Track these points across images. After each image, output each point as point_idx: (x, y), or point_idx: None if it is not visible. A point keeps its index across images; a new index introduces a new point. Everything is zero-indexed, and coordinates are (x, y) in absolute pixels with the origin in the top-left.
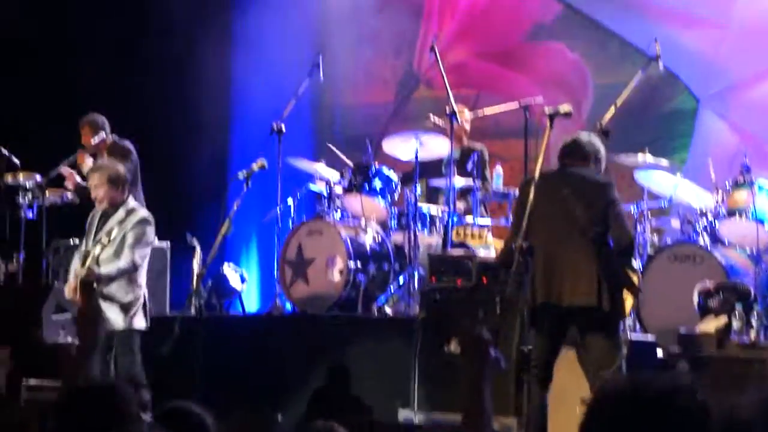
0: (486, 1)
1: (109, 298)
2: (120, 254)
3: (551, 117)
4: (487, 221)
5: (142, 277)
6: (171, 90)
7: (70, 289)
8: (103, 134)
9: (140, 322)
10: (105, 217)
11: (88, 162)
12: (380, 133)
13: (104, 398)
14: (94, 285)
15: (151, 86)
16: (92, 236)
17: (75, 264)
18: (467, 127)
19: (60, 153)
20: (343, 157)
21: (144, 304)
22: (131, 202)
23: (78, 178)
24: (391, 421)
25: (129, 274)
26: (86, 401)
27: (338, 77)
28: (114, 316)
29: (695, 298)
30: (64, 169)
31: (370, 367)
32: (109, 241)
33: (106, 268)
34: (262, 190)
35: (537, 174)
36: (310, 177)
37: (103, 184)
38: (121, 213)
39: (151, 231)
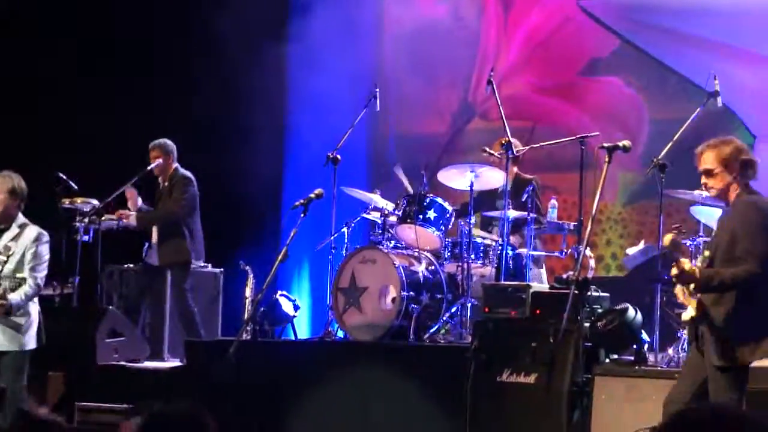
0: (543, 34)
1: (5, 319)
2: (20, 273)
3: (610, 151)
4: (541, 253)
5: (36, 297)
6: (225, 118)
7: None
8: (169, 159)
9: (32, 343)
10: None
11: (136, 200)
12: (434, 164)
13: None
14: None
15: (206, 115)
16: None
17: None
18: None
19: (117, 179)
20: (406, 182)
21: (39, 323)
22: (21, 217)
23: (139, 201)
24: None
25: (33, 298)
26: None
27: (393, 107)
28: (7, 337)
29: None
30: (128, 191)
31: (422, 395)
32: (8, 259)
33: (15, 297)
34: (316, 219)
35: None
36: (364, 206)
37: (3, 192)
38: (14, 229)
39: (47, 248)
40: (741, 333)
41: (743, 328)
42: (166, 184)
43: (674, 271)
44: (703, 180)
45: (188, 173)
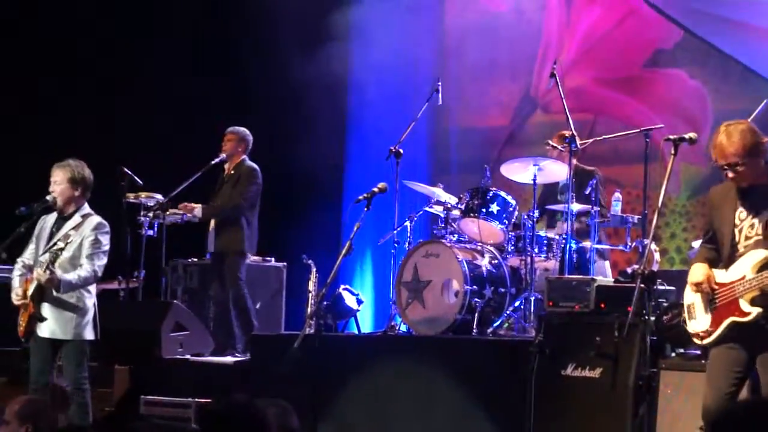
0: (606, 27)
1: (60, 306)
2: (77, 260)
3: (676, 143)
4: (605, 246)
5: (94, 287)
6: (288, 112)
7: (17, 293)
8: (240, 147)
9: (89, 334)
10: (59, 222)
11: (194, 207)
12: (496, 157)
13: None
14: (53, 292)
15: (268, 110)
16: (45, 241)
17: (18, 270)
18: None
19: (181, 175)
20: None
21: (95, 315)
22: (86, 207)
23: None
24: None
25: (88, 284)
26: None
27: (455, 101)
28: (62, 325)
29: None
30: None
31: (485, 390)
32: (66, 245)
33: (68, 276)
34: (379, 213)
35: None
36: (427, 200)
37: (63, 182)
38: (77, 218)
39: (107, 238)
40: None
41: None
42: (232, 172)
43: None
44: (730, 173)
45: (255, 166)
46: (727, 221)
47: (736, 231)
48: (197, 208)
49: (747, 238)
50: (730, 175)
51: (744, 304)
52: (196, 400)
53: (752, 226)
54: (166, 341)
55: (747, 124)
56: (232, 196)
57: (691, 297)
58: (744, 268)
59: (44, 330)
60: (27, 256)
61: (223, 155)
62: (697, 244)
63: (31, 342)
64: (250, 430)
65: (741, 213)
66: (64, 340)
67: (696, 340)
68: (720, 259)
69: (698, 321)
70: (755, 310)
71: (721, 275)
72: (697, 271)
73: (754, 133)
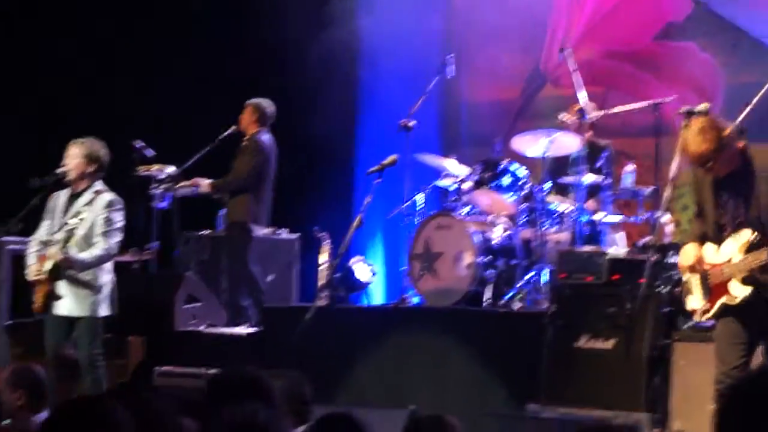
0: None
1: (76, 283)
2: (91, 239)
3: (688, 115)
4: (617, 218)
5: (110, 263)
6: (296, 83)
7: (32, 271)
8: (253, 117)
9: (104, 310)
10: (72, 198)
11: (203, 182)
12: (507, 130)
13: (249, 388)
14: (68, 271)
15: (278, 81)
16: (59, 218)
17: (33, 247)
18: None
19: (195, 147)
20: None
21: (111, 291)
22: (99, 184)
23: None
24: (519, 416)
25: (104, 262)
26: (234, 390)
27: (465, 74)
28: (78, 302)
29: None
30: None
31: (497, 362)
32: (79, 223)
33: (84, 255)
34: (390, 186)
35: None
36: (438, 173)
37: (78, 157)
38: (88, 194)
39: (121, 215)
40: None
41: None
42: (245, 144)
43: None
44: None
45: (260, 138)
46: (709, 199)
47: (721, 210)
48: (206, 183)
49: (734, 218)
50: (706, 169)
51: (733, 287)
52: (209, 371)
53: (736, 206)
54: (179, 313)
55: (706, 120)
56: (237, 169)
57: (687, 274)
58: (731, 249)
59: (60, 308)
60: (42, 233)
61: (233, 127)
62: None
63: (47, 318)
64: (256, 399)
65: (723, 194)
66: (79, 316)
67: (695, 317)
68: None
69: (695, 298)
70: (743, 293)
71: (711, 254)
72: (687, 254)
73: (714, 128)
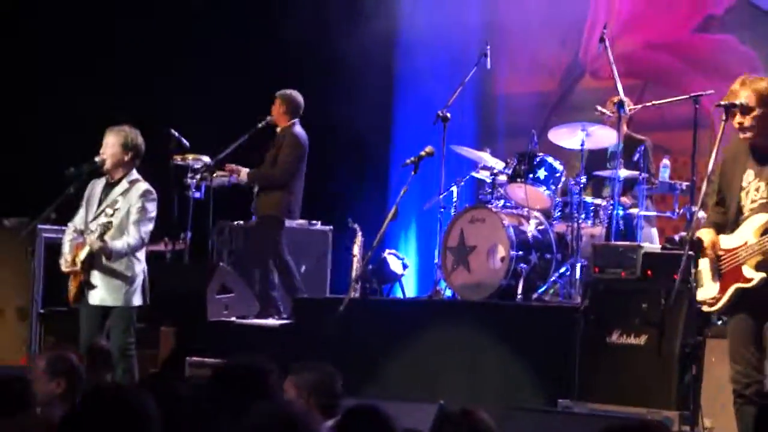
0: None
1: (109, 273)
2: (124, 228)
3: (727, 109)
4: (653, 213)
5: (142, 253)
6: (334, 76)
7: (67, 260)
8: (283, 109)
9: (137, 300)
10: (108, 188)
11: (242, 170)
12: (543, 122)
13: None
14: (103, 260)
15: (315, 72)
16: (95, 207)
17: (68, 235)
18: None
19: (229, 137)
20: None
21: (143, 281)
22: (134, 173)
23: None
24: (550, 410)
25: (136, 251)
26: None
27: (503, 66)
28: (111, 292)
29: None
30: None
31: (530, 356)
32: (114, 212)
33: (117, 243)
34: (425, 178)
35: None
36: (473, 165)
37: (116, 146)
38: (124, 184)
39: (154, 205)
40: None
41: None
42: (280, 136)
43: None
44: (739, 119)
45: (298, 132)
46: (735, 183)
47: (743, 194)
48: (243, 172)
49: (753, 201)
50: (746, 123)
51: (747, 270)
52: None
53: (758, 189)
54: (211, 303)
55: (766, 79)
56: (275, 163)
57: (698, 264)
58: (747, 233)
59: (94, 297)
60: (77, 221)
61: (268, 118)
62: None
63: (81, 308)
64: (252, 389)
65: (748, 175)
66: (113, 306)
67: (704, 308)
68: (728, 222)
69: (706, 288)
70: (758, 276)
71: (726, 241)
72: (702, 238)
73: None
